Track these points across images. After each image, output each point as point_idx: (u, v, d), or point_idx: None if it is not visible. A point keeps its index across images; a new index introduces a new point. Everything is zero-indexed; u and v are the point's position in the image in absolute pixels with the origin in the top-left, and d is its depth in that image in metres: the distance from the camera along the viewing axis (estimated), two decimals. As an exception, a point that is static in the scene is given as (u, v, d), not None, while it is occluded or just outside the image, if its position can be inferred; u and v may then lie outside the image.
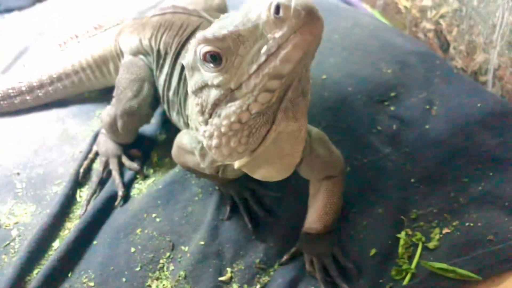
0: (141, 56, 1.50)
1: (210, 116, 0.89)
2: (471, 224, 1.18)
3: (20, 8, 2.49)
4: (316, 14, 0.72)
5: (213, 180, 1.33)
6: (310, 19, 0.71)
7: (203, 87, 0.88)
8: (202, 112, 0.90)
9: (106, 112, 1.48)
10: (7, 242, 1.34)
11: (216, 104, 0.87)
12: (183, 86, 1.30)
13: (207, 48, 0.83)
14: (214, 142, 0.90)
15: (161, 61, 1.43)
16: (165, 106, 1.44)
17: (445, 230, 1.20)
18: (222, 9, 1.74)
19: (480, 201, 1.22)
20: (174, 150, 1.27)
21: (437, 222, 1.21)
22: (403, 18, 1.72)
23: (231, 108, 0.85)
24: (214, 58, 0.83)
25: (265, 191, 1.31)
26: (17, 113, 1.77)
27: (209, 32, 0.84)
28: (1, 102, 1.75)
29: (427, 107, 1.40)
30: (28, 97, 1.74)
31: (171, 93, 1.38)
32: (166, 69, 1.40)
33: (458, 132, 1.33)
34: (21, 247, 1.31)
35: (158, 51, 1.43)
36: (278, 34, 0.74)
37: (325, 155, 1.14)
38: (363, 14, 1.80)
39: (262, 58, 0.78)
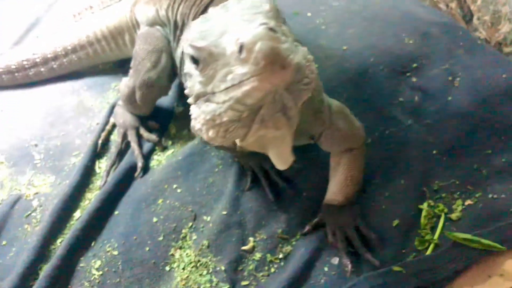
0: (158, 27, 1.48)
1: (195, 101, 0.88)
2: (494, 196, 1.18)
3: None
4: (279, 63, 0.69)
5: (232, 152, 1.32)
6: (270, 68, 0.68)
7: (190, 75, 0.88)
8: (190, 95, 0.89)
9: (124, 84, 1.47)
10: (29, 213, 1.35)
11: (198, 96, 0.86)
12: None
13: (189, 50, 0.82)
14: (197, 125, 0.90)
15: (178, 32, 1.40)
16: (182, 78, 1.42)
17: (468, 202, 1.19)
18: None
19: (503, 173, 1.21)
20: (192, 123, 1.25)
21: (460, 193, 1.21)
22: (424, -12, 1.68)
23: (208, 107, 0.84)
24: (195, 60, 0.82)
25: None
26: (32, 85, 1.76)
27: (192, 35, 0.83)
28: (16, 74, 1.73)
29: (450, 78, 1.38)
30: (42, 69, 1.73)
31: (186, 65, 1.36)
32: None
33: (481, 104, 1.31)
34: (43, 217, 1.32)
35: (175, 22, 1.41)
36: (240, 70, 0.72)
37: (345, 128, 1.13)
38: (382, -16, 1.76)
39: (228, 84, 0.76)
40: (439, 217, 1.19)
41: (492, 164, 1.23)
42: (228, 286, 1.11)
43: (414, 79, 1.40)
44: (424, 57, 1.43)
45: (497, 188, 1.19)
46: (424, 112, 1.34)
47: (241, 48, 0.69)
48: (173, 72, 1.45)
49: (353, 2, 1.66)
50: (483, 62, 1.39)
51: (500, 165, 1.23)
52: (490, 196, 1.18)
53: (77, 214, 1.32)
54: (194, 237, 1.21)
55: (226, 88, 0.78)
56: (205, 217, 1.25)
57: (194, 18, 1.34)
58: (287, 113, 0.84)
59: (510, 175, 1.21)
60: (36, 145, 1.56)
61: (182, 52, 1.38)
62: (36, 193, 1.41)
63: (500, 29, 1.41)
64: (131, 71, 1.45)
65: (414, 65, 1.43)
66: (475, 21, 1.49)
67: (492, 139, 1.27)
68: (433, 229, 1.17)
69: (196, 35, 0.82)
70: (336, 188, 1.19)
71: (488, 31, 1.45)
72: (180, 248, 1.20)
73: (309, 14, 1.66)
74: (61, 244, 1.23)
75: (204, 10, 1.32)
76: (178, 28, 1.40)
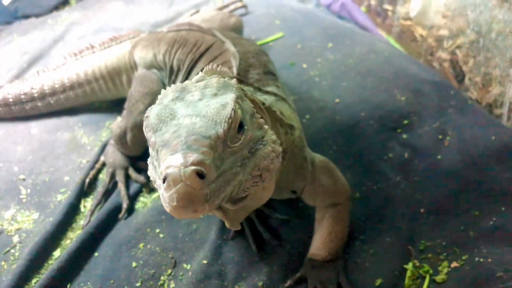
0: (155, 70, 1.51)
1: None
2: (481, 259, 1.15)
3: (37, 15, 2.53)
4: (191, 209, 0.69)
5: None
6: (181, 210, 0.69)
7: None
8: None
9: (116, 124, 1.48)
10: (8, 249, 1.33)
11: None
12: None
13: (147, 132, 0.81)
14: None
15: (173, 77, 1.43)
16: None
17: (454, 264, 1.17)
18: (238, 28, 1.75)
19: (491, 236, 1.19)
20: None
21: (446, 255, 1.19)
22: (419, 47, 1.72)
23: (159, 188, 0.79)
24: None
25: (272, 213, 1.29)
26: (27, 118, 1.78)
27: (150, 118, 0.80)
28: (12, 107, 1.75)
29: (440, 137, 1.39)
30: (39, 104, 1.75)
31: None
32: None
33: (470, 164, 1.31)
34: (21, 255, 1.30)
35: (171, 67, 1.44)
36: (164, 192, 0.70)
37: (328, 183, 1.13)
38: (379, 40, 1.80)
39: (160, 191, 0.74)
40: (423, 278, 1.16)
41: (480, 226, 1.22)
42: None
43: (404, 136, 1.41)
44: (415, 114, 1.44)
45: (483, 251, 1.17)
46: (413, 169, 1.34)
47: (164, 179, 0.69)
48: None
49: (349, 56, 1.69)
50: (473, 122, 1.40)
51: (487, 228, 1.21)
52: (476, 259, 1.16)
53: (56, 253, 1.30)
54: (172, 285, 1.18)
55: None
56: (185, 265, 1.22)
57: (189, 65, 1.37)
58: (236, 204, 0.84)
59: (497, 239, 1.19)
60: (24, 180, 1.55)
61: None
62: (18, 229, 1.39)
63: (490, 91, 1.43)
64: (124, 112, 1.47)
65: (405, 121, 1.44)
66: (466, 81, 1.52)
67: (480, 201, 1.26)
68: (417, 291, 1.14)
69: (153, 120, 0.80)
70: (320, 243, 1.17)
71: (479, 92, 1.47)
72: (157, 296, 1.17)
73: (304, 65, 1.69)
74: (35, 285, 1.20)
75: (199, 58, 1.35)
76: (173, 73, 1.43)
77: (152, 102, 1.43)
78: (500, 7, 1.28)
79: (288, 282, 1.17)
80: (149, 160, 0.85)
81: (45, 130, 1.74)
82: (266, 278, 1.18)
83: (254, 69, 1.16)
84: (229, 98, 0.79)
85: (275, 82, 1.17)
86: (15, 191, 1.51)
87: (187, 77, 1.36)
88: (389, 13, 1.87)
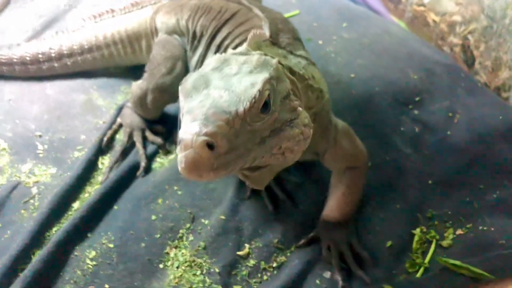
0: (176, 36, 1.53)
1: None
2: (484, 228, 1.22)
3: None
4: (196, 173, 0.73)
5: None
6: (188, 171, 0.73)
7: None
8: None
9: (137, 86, 1.51)
10: (27, 199, 1.35)
11: None
12: None
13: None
14: None
15: (195, 43, 1.46)
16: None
17: (459, 231, 1.24)
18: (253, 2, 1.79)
19: (494, 208, 1.26)
20: None
21: (451, 223, 1.25)
22: (430, 32, 1.77)
23: None
24: None
25: (287, 176, 1.33)
26: (43, 78, 1.79)
27: (186, 84, 0.84)
28: (29, 66, 1.76)
29: (450, 114, 1.45)
30: (56, 64, 1.76)
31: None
32: (200, 50, 1.43)
33: (478, 141, 1.37)
34: (41, 204, 1.33)
35: (194, 32, 1.46)
36: (179, 151, 0.75)
37: (349, 147, 1.18)
38: (392, 23, 1.86)
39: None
40: (430, 242, 1.23)
41: (484, 199, 1.28)
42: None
43: (416, 112, 1.47)
44: (427, 92, 1.50)
45: (487, 221, 1.23)
46: (423, 144, 1.40)
47: (179, 142, 0.74)
48: (186, 80, 1.50)
49: (364, 35, 1.74)
50: (482, 103, 1.46)
51: (491, 201, 1.28)
52: (480, 228, 1.23)
53: (76, 205, 1.33)
54: (191, 238, 1.23)
55: None
56: (203, 220, 1.27)
57: (213, 31, 1.40)
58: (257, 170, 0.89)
59: (500, 211, 1.26)
60: (40, 136, 1.57)
61: (197, 61, 1.44)
62: (36, 182, 1.42)
63: (500, 75, 1.49)
64: (145, 75, 1.49)
65: (417, 98, 1.50)
66: (476, 65, 1.58)
67: (485, 175, 1.32)
68: (424, 253, 1.21)
69: (188, 86, 0.83)
70: (335, 205, 1.23)
71: (489, 76, 1.54)
72: (176, 247, 1.21)
73: (320, 42, 1.73)
74: (57, 232, 1.23)
75: (224, 24, 1.38)
76: (196, 39, 1.46)
77: (174, 66, 1.48)
78: (516, -8, 1.34)
79: (302, 241, 1.22)
80: (179, 122, 0.89)
81: (60, 91, 1.76)
82: (281, 236, 1.23)
83: (284, 34, 1.21)
84: (261, 78, 0.82)
85: (303, 47, 1.22)
86: (32, 146, 1.53)
87: (210, 42, 1.39)
88: (403, -1, 1.92)
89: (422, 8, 1.81)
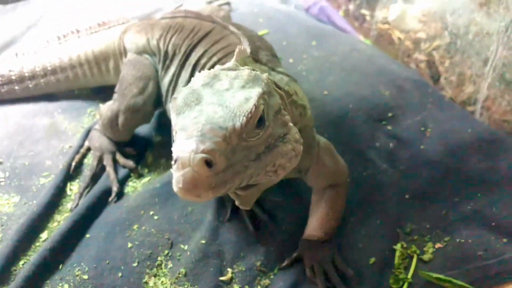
0: (147, 55, 1.50)
1: None
2: (462, 240, 1.24)
3: (4, 3, 2.42)
4: (194, 193, 0.72)
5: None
6: (185, 192, 0.71)
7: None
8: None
9: (107, 107, 1.45)
10: (-12, 231, 1.26)
11: None
12: None
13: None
14: None
15: (167, 62, 1.43)
16: (169, 106, 1.43)
17: (438, 245, 1.25)
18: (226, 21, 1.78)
19: (470, 220, 1.28)
20: None
21: (430, 237, 1.26)
22: (396, 49, 1.82)
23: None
24: None
25: (267, 195, 1.31)
26: (2, 102, 1.70)
27: (178, 101, 0.82)
28: (-14, 90, 1.68)
29: (422, 129, 1.48)
30: (16, 87, 1.68)
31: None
32: (172, 69, 1.40)
33: (450, 154, 1.41)
34: (4, 236, 1.24)
35: (166, 51, 1.44)
36: (173, 172, 0.73)
37: (331, 164, 1.18)
38: (359, 41, 1.90)
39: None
40: (412, 257, 1.23)
41: (459, 211, 1.31)
42: (204, 316, 1.08)
43: (389, 127, 1.49)
44: (398, 108, 1.53)
45: (463, 233, 1.25)
46: (398, 158, 1.42)
47: (175, 160, 0.72)
48: (157, 100, 1.47)
49: (333, 53, 1.77)
50: (450, 117, 1.50)
51: (466, 212, 1.30)
52: (458, 240, 1.24)
53: (44, 235, 1.25)
54: (170, 265, 1.18)
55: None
56: (182, 246, 1.22)
57: (186, 50, 1.37)
58: (247, 190, 0.87)
59: (475, 222, 1.28)
60: (1, 163, 1.48)
61: (170, 80, 1.41)
62: (-3, 212, 1.33)
63: (464, 89, 1.55)
64: (115, 95, 1.45)
65: (390, 114, 1.53)
66: (442, 80, 1.63)
67: (459, 187, 1.35)
68: (406, 269, 1.21)
69: (179, 103, 0.82)
70: (317, 223, 1.21)
71: (454, 90, 1.59)
72: (155, 276, 1.16)
73: (291, 60, 1.75)
74: (24, 266, 1.15)
75: (198, 43, 1.36)
76: (168, 58, 1.43)
77: (145, 86, 1.44)
78: (478, 11, 1.40)
79: (285, 262, 1.19)
80: (173, 139, 0.86)
81: (22, 115, 1.67)
82: (264, 258, 1.20)
83: (262, 51, 1.20)
84: (255, 92, 0.81)
85: (281, 64, 1.21)
86: (-9, 174, 1.44)
87: (184, 61, 1.37)
88: (367, 18, 1.97)
89: (387, 26, 1.86)
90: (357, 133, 1.45)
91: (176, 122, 0.78)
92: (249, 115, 0.77)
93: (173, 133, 0.80)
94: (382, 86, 1.60)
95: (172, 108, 0.81)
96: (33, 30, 2.12)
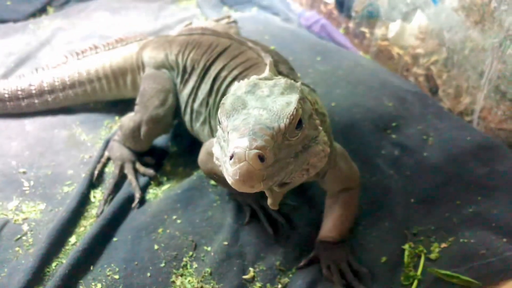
0: (165, 70, 1.59)
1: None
2: (465, 240, 1.32)
3: (15, 21, 2.50)
4: (249, 184, 0.82)
5: (231, 189, 1.40)
6: (241, 183, 0.82)
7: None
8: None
9: (129, 118, 1.53)
10: (19, 236, 1.32)
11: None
12: (214, 97, 1.40)
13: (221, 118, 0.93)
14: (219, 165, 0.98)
15: (186, 76, 1.51)
16: (187, 118, 1.51)
17: (443, 245, 1.33)
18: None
19: (471, 221, 1.37)
20: (202, 156, 1.33)
21: (435, 237, 1.35)
22: (395, 64, 1.94)
23: (225, 164, 0.91)
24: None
25: (284, 200, 1.39)
26: (20, 116, 1.77)
27: (224, 106, 0.92)
28: (7, 103, 1.74)
29: (424, 137, 1.58)
30: (36, 101, 1.75)
31: (196, 104, 1.46)
32: (191, 83, 1.49)
33: (451, 161, 1.50)
34: (35, 241, 1.30)
35: (185, 66, 1.52)
36: (229, 167, 0.83)
37: (346, 168, 1.27)
38: (361, 56, 2.02)
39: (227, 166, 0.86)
40: (419, 256, 1.31)
41: (462, 213, 1.40)
42: (232, 310, 1.15)
43: (393, 136, 1.59)
44: (401, 118, 1.64)
45: (466, 234, 1.34)
46: (403, 165, 1.51)
47: (232, 156, 0.83)
48: (176, 112, 1.55)
49: (338, 68, 1.88)
50: (450, 126, 1.61)
51: (468, 214, 1.39)
52: (461, 240, 1.33)
53: (72, 239, 1.32)
54: (195, 265, 1.25)
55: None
56: (205, 247, 1.29)
57: (205, 64, 1.46)
58: (283, 187, 0.97)
59: (477, 223, 1.37)
60: (24, 173, 1.54)
61: (189, 93, 1.49)
62: (25, 219, 1.39)
63: (462, 101, 1.66)
64: (137, 107, 1.53)
65: (394, 124, 1.63)
66: (440, 93, 1.74)
67: (460, 192, 1.44)
68: (415, 267, 1.29)
69: (228, 107, 0.92)
70: (332, 225, 1.29)
71: (452, 102, 1.70)
72: (182, 275, 1.22)
73: (298, 74, 1.84)
74: (57, 268, 1.22)
75: (217, 58, 1.45)
76: (186, 73, 1.51)
77: (166, 98, 1.52)
78: (474, 28, 1.52)
79: (303, 262, 1.27)
80: (215, 140, 0.99)
81: (41, 128, 1.74)
82: (282, 258, 1.28)
83: (282, 64, 1.30)
84: (294, 98, 0.93)
85: (298, 76, 1.31)
86: (16, 183, 1.50)
87: (204, 75, 1.45)
88: (367, 35, 2.09)
89: (386, 42, 1.98)
90: (364, 141, 1.55)
91: (227, 124, 0.89)
92: (291, 117, 0.88)
93: (220, 132, 0.91)
94: (386, 98, 1.70)
95: (221, 112, 0.92)
96: (47, 47, 2.20)
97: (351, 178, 1.28)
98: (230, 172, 0.82)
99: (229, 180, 0.83)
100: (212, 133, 1.42)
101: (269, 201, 1.00)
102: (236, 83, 0.99)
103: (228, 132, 0.87)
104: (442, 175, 1.48)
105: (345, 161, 1.26)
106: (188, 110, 1.50)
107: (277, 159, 0.86)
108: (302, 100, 0.94)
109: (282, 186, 0.96)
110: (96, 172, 1.52)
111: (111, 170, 1.53)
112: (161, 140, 1.66)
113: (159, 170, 1.58)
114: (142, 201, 1.45)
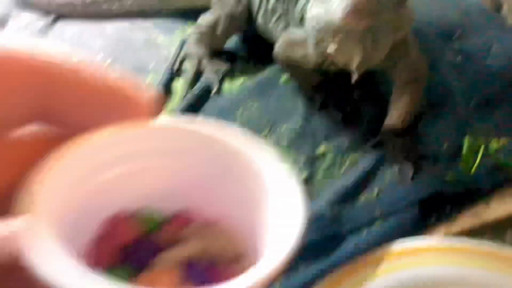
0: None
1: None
2: (524, 139, 1.41)
3: None
4: (357, 16, 0.93)
5: (305, 81, 1.51)
6: (350, 15, 0.94)
7: None
8: None
9: (206, 17, 1.64)
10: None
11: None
12: None
13: None
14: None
15: None
16: (260, 19, 1.61)
17: (502, 141, 1.42)
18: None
19: (531, 121, 1.46)
20: (280, 46, 1.43)
21: (495, 134, 1.43)
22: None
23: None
24: None
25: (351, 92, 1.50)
26: (101, 19, 1.91)
27: None
28: (88, 7, 1.88)
29: (487, 47, 1.64)
30: (114, 6, 1.88)
31: (271, 2, 1.55)
32: None
33: (513, 68, 1.58)
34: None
35: None
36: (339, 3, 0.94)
37: (416, 58, 1.36)
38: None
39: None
40: (478, 151, 1.41)
41: (521, 115, 1.48)
42: (306, 173, 1.30)
43: (457, 44, 1.66)
44: (465, 28, 1.70)
45: (525, 132, 1.43)
46: (465, 71, 1.58)
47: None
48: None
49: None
50: (512, 38, 1.67)
51: (528, 115, 1.47)
52: (520, 137, 1.42)
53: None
54: (274, 138, 1.39)
55: None
56: (281, 126, 1.43)
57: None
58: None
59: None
60: (111, 64, 1.70)
61: None
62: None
63: (525, 17, 1.70)
64: (215, 6, 1.64)
65: (458, 33, 1.69)
66: (503, 11, 1.78)
67: (521, 96, 1.52)
68: (474, 157, 1.39)
69: None
70: (396, 115, 1.39)
71: (516, 18, 1.74)
72: (261, 141, 1.37)
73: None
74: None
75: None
76: None
77: (240, -2, 1.63)
78: None
79: (370, 143, 1.39)
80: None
81: (120, 30, 1.88)
82: (350, 139, 1.40)
83: None
84: None
85: None
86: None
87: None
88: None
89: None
90: (429, 46, 1.62)
91: None
92: None
93: None
94: (450, 9, 1.76)
95: None
96: None
97: (421, 68, 1.37)
98: (340, 8, 0.92)
99: (338, 17, 0.94)
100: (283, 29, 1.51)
101: (355, 63, 1.11)
102: None
103: None
104: (504, 81, 1.55)
105: (416, 51, 1.34)
106: (262, 11, 1.59)
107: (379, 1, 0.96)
108: None
109: (374, 43, 1.06)
110: (176, 66, 1.65)
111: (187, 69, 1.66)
112: (229, 46, 1.77)
113: (231, 69, 1.70)
114: (219, 92, 1.58)
